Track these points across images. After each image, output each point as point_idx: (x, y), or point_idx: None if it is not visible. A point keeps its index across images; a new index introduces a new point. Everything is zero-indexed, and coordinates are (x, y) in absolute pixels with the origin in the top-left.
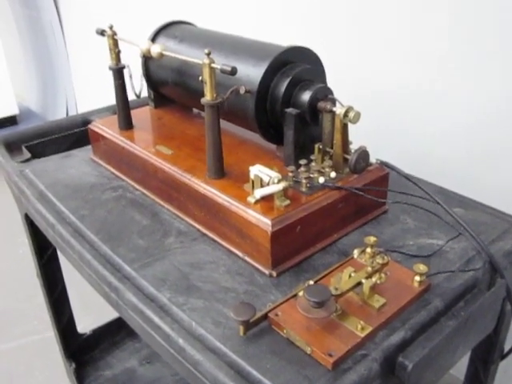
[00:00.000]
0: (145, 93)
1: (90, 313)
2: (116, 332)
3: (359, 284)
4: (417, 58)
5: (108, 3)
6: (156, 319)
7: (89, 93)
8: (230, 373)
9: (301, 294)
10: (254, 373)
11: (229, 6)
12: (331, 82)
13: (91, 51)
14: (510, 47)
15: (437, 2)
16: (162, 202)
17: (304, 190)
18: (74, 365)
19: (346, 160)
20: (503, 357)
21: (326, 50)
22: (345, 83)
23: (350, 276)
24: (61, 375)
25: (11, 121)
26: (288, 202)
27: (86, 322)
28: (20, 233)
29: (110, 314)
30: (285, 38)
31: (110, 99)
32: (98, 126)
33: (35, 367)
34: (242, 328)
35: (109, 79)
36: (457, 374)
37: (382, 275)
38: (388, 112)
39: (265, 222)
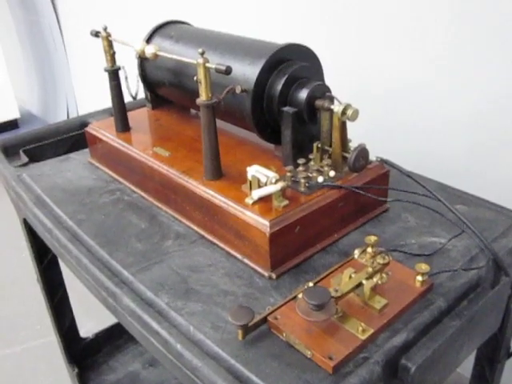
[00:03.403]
0: (142, 94)
1: (93, 317)
2: (118, 336)
3: (360, 285)
4: (417, 55)
5: (106, 5)
6: (154, 324)
7: (89, 95)
8: (229, 378)
9: (300, 296)
10: (254, 378)
11: (227, 5)
12: (330, 79)
13: (90, 53)
14: (510, 42)
15: None
16: (159, 205)
17: (303, 189)
18: (76, 369)
19: (345, 158)
20: (510, 355)
21: (324, 48)
22: (344, 80)
23: (350, 277)
24: (65, 379)
25: (12, 124)
26: (286, 202)
27: (89, 326)
28: (22, 236)
29: (113, 318)
30: (283, 36)
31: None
32: (94, 129)
33: (39, 371)
34: (240, 332)
35: (108, 81)
36: (463, 372)
37: (384, 275)
38: (388, 109)
39: (263, 224)
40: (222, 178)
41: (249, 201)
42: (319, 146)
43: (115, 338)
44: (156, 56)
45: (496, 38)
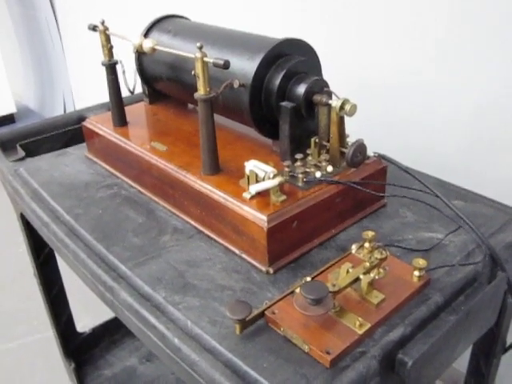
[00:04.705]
0: (139, 89)
1: (90, 311)
2: (115, 330)
3: (357, 280)
4: (417, 54)
5: (104, 0)
6: (151, 319)
7: (86, 89)
8: (227, 372)
9: (298, 291)
10: (251, 372)
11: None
12: (329, 75)
13: (87, 47)
14: (510, 42)
15: None
16: (157, 200)
17: (300, 184)
18: (73, 364)
19: (342, 154)
20: (505, 350)
21: (322, 42)
22: (343, 77)
23: (347, 272)
24: (62, 374)
25: (9, 119)
26: (284, 197)
27: (86, 320)
28: (20, 231)
29: (110, 313)
30: (282, 32)
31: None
32: (92, 123)
33: (36, 366)
34: (238, 327)
35: (105, 75)
36: (459, 367)
37: (381, 270)
38: (387, 105)
39: (260, 218)
40: (220, 173)
41: (246, 196)
42: (317, 141)
43: (112, 332)
44: (154, 50)
45: (496, 38)
